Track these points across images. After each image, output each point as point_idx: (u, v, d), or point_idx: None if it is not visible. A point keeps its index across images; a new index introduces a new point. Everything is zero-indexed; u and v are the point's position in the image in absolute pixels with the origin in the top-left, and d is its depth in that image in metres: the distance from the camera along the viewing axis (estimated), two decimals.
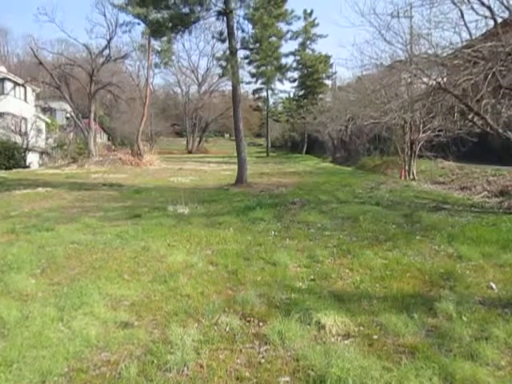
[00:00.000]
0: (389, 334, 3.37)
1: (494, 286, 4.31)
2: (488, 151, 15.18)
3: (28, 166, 25.54)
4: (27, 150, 26.71)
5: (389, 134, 18.80)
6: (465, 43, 8.25)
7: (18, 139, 26.65)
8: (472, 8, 7.92)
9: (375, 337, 3.33)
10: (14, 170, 21.88)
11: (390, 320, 3.53)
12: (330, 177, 17.03)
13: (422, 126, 15.43)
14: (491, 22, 7.93)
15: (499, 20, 7.78)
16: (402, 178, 16.43)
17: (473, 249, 5.49)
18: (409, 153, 16.30)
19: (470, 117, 9.55)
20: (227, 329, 3.46)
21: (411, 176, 16.12)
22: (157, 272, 4.86)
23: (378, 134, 21.40)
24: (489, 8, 7.70)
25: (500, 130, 8.46)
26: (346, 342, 3.28)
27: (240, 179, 14.17)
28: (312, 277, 4.68)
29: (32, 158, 28.17)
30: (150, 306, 3.92)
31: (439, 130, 14.97)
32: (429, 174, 16.18)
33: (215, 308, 3.82)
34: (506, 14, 7.78)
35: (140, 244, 6.05)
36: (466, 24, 8.11)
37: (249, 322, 3.61)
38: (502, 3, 7.58)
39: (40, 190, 12.64)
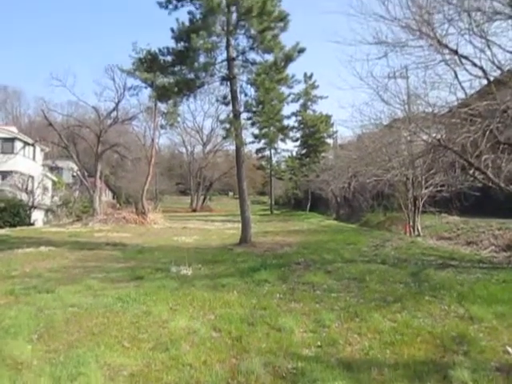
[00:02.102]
0: None
1: (510, 350, 4.11)
2: (491, 205, 15.14)
3: (33, 224, 25.65)
4: (33, 207, 26.95)
5: (392, 190, 18.90)
6: (460, 101, 8.50)
7: (24, 197, 27.00)
8: (465, 69, 8.25)
9: None
10: (18, 228, 21.89)
11: None
12: (335, 235, 16.91)
13: (424, 181, 15.53)
14: (485, 81, 8.24)
15: (492, 78, 8.08)
16: (407, 233, 16.31)
17: (484, 309, 5.32)
18: (412, 209, 16.30)
19: (471, 172, 9.62)
20: None
21: (416, 232, 16.00)
22: (158, 339, 4.68)
23: (380, 190, 21.49)
24: (481, 68, 8.01)
25: (502, 185, 8.49)
26: None
27: (244, 238, 14.05)
28: (319, 343, 4.48)
29: (37, 216, 28.38)
30: (150, 377, 3.73)
31: (441, 186, 15.04)
32: (434, 229, 16.06)
33: (218, 379, 3.63)
34: (498, 73, 8.09)
35: (142, 308, 5.89)
36: (460, 84, 8.40)
37: None
38: (494, 63, 7.90)
39: (43, 248, 12.56)
